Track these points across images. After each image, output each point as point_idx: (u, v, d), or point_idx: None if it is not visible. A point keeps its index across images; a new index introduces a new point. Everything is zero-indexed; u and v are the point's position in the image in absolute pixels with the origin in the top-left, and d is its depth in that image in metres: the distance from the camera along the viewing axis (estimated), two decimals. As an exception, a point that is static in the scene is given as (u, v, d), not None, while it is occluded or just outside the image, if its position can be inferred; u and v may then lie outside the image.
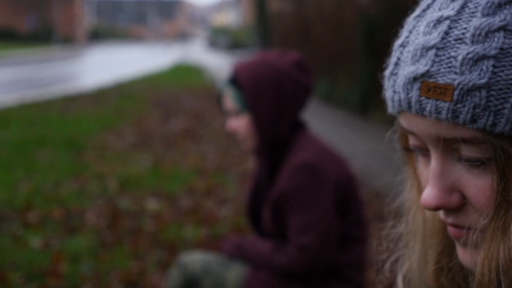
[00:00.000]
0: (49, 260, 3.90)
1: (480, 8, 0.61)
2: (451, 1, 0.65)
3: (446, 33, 0.63)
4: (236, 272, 2.27)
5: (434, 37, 0.64)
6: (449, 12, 0.64)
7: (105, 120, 10.16)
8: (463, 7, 0.63)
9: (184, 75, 21.55)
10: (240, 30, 49.51)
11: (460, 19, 0.63)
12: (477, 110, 0.61)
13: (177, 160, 7.09)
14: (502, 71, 0.59)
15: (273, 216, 2.20)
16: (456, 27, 0.63)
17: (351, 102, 11.21)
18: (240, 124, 2.23)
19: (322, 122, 10.09)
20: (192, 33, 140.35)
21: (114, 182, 5.92)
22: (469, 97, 0.61)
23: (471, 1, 0.62)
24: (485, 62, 0.59)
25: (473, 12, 0.62)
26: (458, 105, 0.62)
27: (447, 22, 0.64)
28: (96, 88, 15.91)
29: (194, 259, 2.35)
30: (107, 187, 5.76)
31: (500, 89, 0.60)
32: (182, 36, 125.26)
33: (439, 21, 0.65)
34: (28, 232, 4.43)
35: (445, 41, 0.64)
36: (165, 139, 8.47)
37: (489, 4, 0.60)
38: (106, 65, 29.03)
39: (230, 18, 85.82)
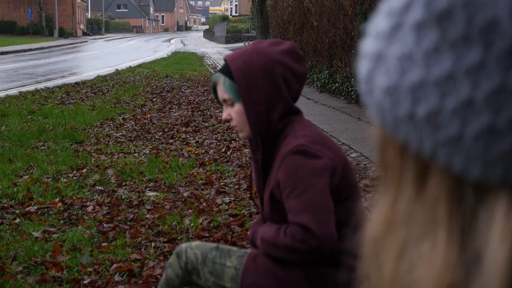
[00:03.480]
0: (49, 251, 3.91)
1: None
2: None
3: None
4: (235, 260, 2.27)
5: None
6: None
7: (105, 111, 10.15)
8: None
9: (184, 65, 21.52)
10: (240, 20, 49.43)
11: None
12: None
13: (176, 150, 7.09)
14: (376, 76, 0.60)
15: (272, 204, 2.20)
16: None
17: (349, 90, 11.20)
18: (234, 113, 2.23)
19: (322, 110, 10.09)
20: (192, 24, 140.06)
21: (114, 173, 5.93)
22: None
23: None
24: (365, 63, 0.61)
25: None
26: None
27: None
28: (96, 79, 15.90)
29: (193, 247, 2.35)
30: (107, 178, 5.76)
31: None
32: (182, 27, 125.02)
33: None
34: (28, 224, 4.43)
35: None
36: (164, 129, 8.47)
37: (390, 10, 0.61)
38: (106, 57, 29.02)
39: (230, 8, 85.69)
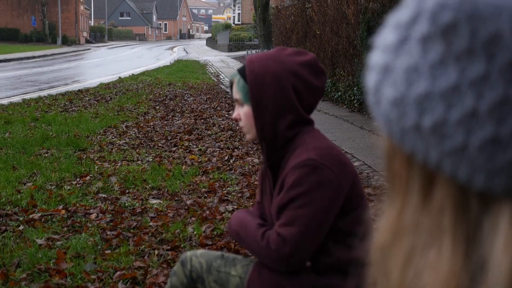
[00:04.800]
0: (53, 258, 3.92)
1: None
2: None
3: None
4: (240, 269, 2.27)
5: None
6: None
7: (108, 119, 10.17)
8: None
9: (187, 73, 21.55)
10: (243, 28, 49.51)
11: None
12: None
13: (179, 157, 7.10)
14: (383, 88, 0.61)
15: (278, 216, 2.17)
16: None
17: (352, 99, 11.21)
18: (243, 114, 2.23)
19: (324, 119, 10.10)
20: (194, 32, 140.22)
21: (117, 181, 5.94)
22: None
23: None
24: (373, 75, 0.63)
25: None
26: None
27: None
28: (99, 87, 15.93)
29: (198, 255, 2.36)
30: (110, 186, 5.77)
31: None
32: (184, 35, 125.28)
33: None
34: (32, 231, 4.44)
35: None
36: (167, 137, 8.48)
37: (397, 23, 0.62)
38: (109, 65, 29.08)
39: (232, 16, 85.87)
